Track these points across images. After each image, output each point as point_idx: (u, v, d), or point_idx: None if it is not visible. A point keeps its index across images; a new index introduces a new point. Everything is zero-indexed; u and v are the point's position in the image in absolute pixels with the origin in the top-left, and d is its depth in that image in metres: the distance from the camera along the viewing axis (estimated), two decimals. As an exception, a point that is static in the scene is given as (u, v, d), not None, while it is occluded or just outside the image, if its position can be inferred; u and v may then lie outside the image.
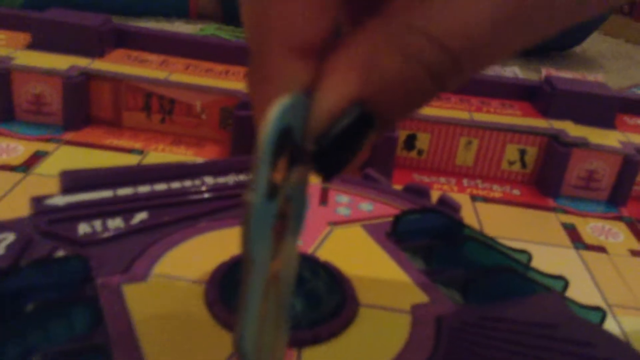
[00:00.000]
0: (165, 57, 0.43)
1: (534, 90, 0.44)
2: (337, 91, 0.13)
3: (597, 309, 0.25)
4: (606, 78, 0.74)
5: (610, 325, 0.27)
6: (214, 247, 0.23)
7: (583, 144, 0.38)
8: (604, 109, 0.41)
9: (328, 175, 0.13)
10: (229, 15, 0.75)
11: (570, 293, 0.26)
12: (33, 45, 0.40)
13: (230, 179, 0.27)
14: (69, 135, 0.38)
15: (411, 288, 0.22)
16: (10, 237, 0.21)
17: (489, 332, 0.20)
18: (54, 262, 0.20)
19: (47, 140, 0.37)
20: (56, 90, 0.37)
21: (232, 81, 0.40)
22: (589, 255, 0.33)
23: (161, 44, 0.43)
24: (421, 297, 0.22)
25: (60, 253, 0.21)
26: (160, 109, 0.39)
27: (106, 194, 0.24)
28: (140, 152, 0.37)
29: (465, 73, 0.13)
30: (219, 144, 0.39)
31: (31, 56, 0.39)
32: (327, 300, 0.21)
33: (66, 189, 0.24)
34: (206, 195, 0.25)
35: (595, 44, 0.97)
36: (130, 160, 0.36)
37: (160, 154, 0.37)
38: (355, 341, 0.19)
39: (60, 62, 0.39)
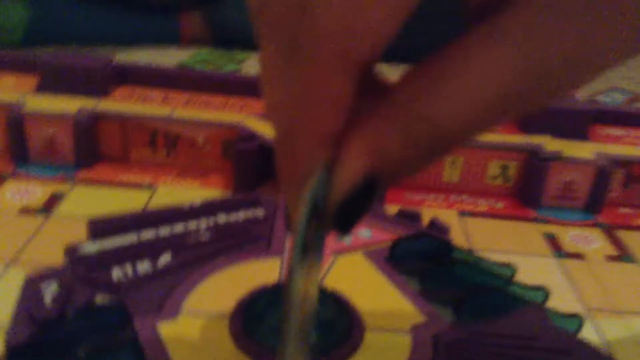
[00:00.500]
0: (166, 91, 0.45)
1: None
2: (351, 170, 0.15)
3: (574, 316, 0.28)
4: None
5: (589, 329, 0.30)
6: (233, 281, 0.26)
7: (558, 158, 0.41)
8: (577, 122, 0.44)
9: (345, 231, 0.16)
10: (218, 39, 0.78)
11: (552, 301, 0.29)
12: (41, 88, 0.43)
13: (240, 215, 0.30)
14: (82, 174, 0.40)
15: (410, 309, 0.25)
16: (53, 286, 0.23)
17: (479, 346, 0.23)
18: (96, 310, 0.22)
19: (62, 180, 0.39)
20: (67, 132, 0.40)
21: (230, 113, 0.43)
22: (569, 263, 0.36)
23: (161, 80, 0.46)
24: (419, 318, 0.25)
25: (99, 298, 0.23)
26: (166, 144, 0.42)
27: (131, 238, 0.27)
28: (150, 186, 0.40)
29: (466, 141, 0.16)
30: (222, 173, 0.42)
31: (41, 100, 0.41)
32: (337, 327, 0.23)
33: (94, 235, 0.27)
34: (220, 234, 0.28)
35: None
36: (142, 194, 0.39)
37: (169, 187, 0.40)
38: (364, 363, 0.22)
39: (69, 104, 0.41)
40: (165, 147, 0.42)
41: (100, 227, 0.27)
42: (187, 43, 0.79)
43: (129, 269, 0.25)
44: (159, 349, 0.21)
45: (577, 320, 0.28)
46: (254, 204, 0.31)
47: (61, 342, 0.21)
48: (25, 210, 0.36)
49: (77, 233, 0.33)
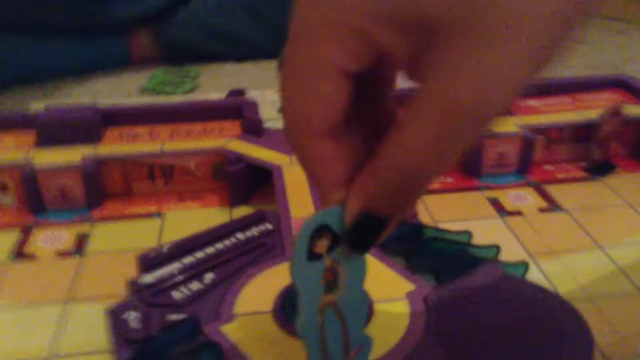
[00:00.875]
0: (150, 127, 0.51)
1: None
2: (351, 208, 0.22)
3: (521, 263, 0.37)
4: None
5: (533, 271, 0.39)
6: (265, 284, 0.33)
7: (491, 134, 0.50)
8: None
9: (360, 252, 0.24)
10: (169, 56, 0.82)
11: (503, 254, 0.38)
12: (39, 143, 0.48)
13: (254, 231, 0.37)
14: (95, 213, 0.46)
15: (402, 281, 0.33)
16: (132, 313, 0.30)
17: (457, 299, 0.32)
18: (173, 325, 0.29)
19: (81, 221, 0.45)
20: (77, 179, 0.46)
21: (211, 139, 0.49)
22: (510, 220, 0.45)
23: (144, 117, 0.52)
24: (410, 286, 0.33)
25: (171, 315, 0.30)
26: (162, 175, 0.48)
27: (176, 265, 0.34)
28: (158, 214, 0.46)
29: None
30: (215, 192, 0.49)
31: (45, 155, 0.47)
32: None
33: (146, 268, 0.34)
34: (243, 249, 0.35)
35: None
36: (153, 223, 0.45)
37: (173, 212, 0.46)
38: (379, 327, 0.30)
39: (71, 153, 0.47)
40: (163, 177, 0.48)
41: (148, 260, 0.34)
42: (139, 63, 0.83)
43: (184, 289, 0.32)
44: (229, 346, 0.29)
45: (523, 266, 0.37)
46: (261, 219, 0.38)
47: (157, 353, 0.28)
48: (61, 253, 0.42)
49: (113, 265, 0.40)
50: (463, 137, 0.20)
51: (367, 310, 0.27)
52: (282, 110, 0.23)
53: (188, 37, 0.82)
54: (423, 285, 0.33)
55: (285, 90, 0.23)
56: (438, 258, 0.35)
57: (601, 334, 0.33)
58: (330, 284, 0.25)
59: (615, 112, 0.50)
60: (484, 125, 0.21)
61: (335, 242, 0.24)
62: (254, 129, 0.50)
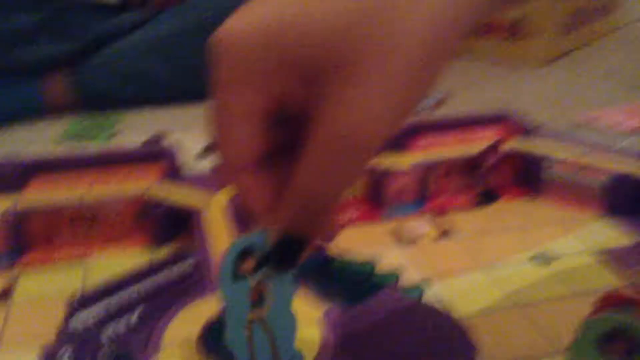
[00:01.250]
0: (71, 175, 0.53)
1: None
2: (273, 231, 0.26)
3: (417, 287, 0.42)
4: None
5: (429, 293, 0.45)
6: (191, 317, 0.36)
7: (389, 171, 0.56)
8: (398, 140, 0.59)
9: (283, 270, 0.27)
10: (86, 103, 0.84)
11: (403, 280, 0.43)
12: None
13: (178, 268, 0.41)
14: (20, 262, 0.48)
15: (312, 308, 0.38)
16: (67, 352, 0.33)
17: (359, 319, 0.36)
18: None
19: (6, 269, 0.46)
20: (0, 229, 0.47)
21: (132, 185, 0.52)
22: (409, 248, 0.51)
23: (63, 165, 0.54)
24: (319, 312, 0.37)
25: (102, 354, 0.33)
26: (85, 221, 0.50)
27: (104, 305, 0.37)
28: (83, 259, 0.48)
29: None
30: (138, 234, 0.51)
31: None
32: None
33: (72, 313, 0.36)
34: (169, 285, 0.39)
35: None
36: (79, 268, 0.47)
37: (97, 257, 0.49)
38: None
39: (-6, 205, 0.48)
40: (86, 223, 0.50)
41: (76, 303, 0.36)
42: (54, 110, 0.84)
43: (113, 328, 0.35)
44: (159, 375, 0.32)
45: (419, 289, 0.42)
46: (184, 256, 0.42)
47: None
48: (-14, 303, 0.43)
49: (42, 311, 0.42)
50: (348, 164, 0.23)
51: (296, 326, 0.29)
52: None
53: (104, 81, 0.84)
54: (332, 309, 0.37)
55: (212, 134, 0.26)
56: (344, 284, 0.40)
57: (489, 345, 0.39)
58: (257, 302, 0.28)
59: (495, 146, 0.57)
60: (365, 154, 0.23)
61: (263, 262, 0.27)
62: (174, 174, 0.54)
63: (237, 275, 0.27)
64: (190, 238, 0.47)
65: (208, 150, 0.68)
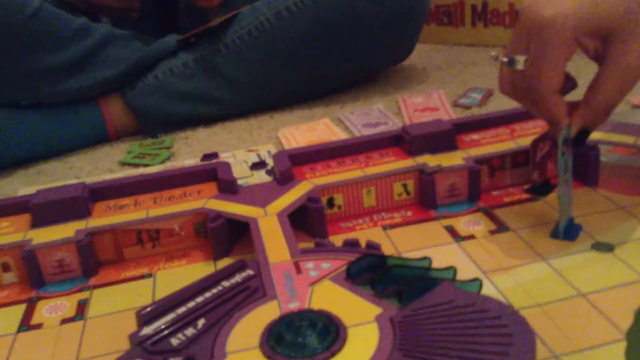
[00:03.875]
0: (134, 197, 0.56)
1: (398, 138, 0.61)
2: (575, 127, 0.48)
3: (475, 280, 0.42)
4: (446, 89, 0.95)
5: (488, 286, 0.45)
6: (251, 324, 0.38)
7: (440, 170, 0.56)
8: (446, 139, 0.59)
9: (580, 145, 0.52)
10: (143, 124, 0.88)
11: (460, 275, 0.43)
12: (35, 224, 0.53)
13: (237, 278, 0.42)
14: (92, 281, 0.50)
15: (370, 307, 0.38)
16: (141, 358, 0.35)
17: (419, 317, 0.37)
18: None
19: (80, 290, 0.49)
20: (72, 252, 0.50)
21: (191, 201, 0.55)
22: (465, 243, 0.51)
23: (126, 189, 0.57)
24: (377, 310, 0.38)
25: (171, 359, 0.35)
26: (150, 238, 0.53)
27: (171, 315, 0.38)
28: (150, 275, 0.51)
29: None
30: (200, 249, 0.53)
31: (41, 234, 0.51)
32: (330, 331, 0.36)
33: (144, 322, 0.38)
34: (230, 295, 0.40)
35: (426, 54, 1.19)
36: (146, 283, 0.49)
37: (162, 271, 0.51)
38: (353, 348, 0.35)
39: (65, 230, 0.51)
40: (150, 241, 0.53)
41: (146, 315, 0.38)
42: (116, 134, 0.88)
43: (180, 336, 0.37)
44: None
45: (477, 283, 0.42)
46: (243, 267, 0.43)
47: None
48: (65, 320, 0.46)
49: (114, 324, 0.44)
50: (630, 85, 0.46)
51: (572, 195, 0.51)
52: (529, 79, 0.47)
53: (157, 102, 0.88)
54: (388, 308, 0.38)
55: (537, 68, 0.45)
56: (400, 283, 0.40)
57: (550, 336, 0.39)
58: (565, 169, 0.49)
59: (546, 137, 0.56)
60: (638, 78, 0.45)
61: (569, 143, 0.49)
62: (229, 188, 0.56)
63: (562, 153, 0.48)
64: (249, 248, 0.49)
65: (258, 165, 0.70)
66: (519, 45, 0.47)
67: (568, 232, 0.50)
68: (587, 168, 0.56)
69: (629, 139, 0.56)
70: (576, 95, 0.48)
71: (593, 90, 0.46)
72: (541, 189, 0.57)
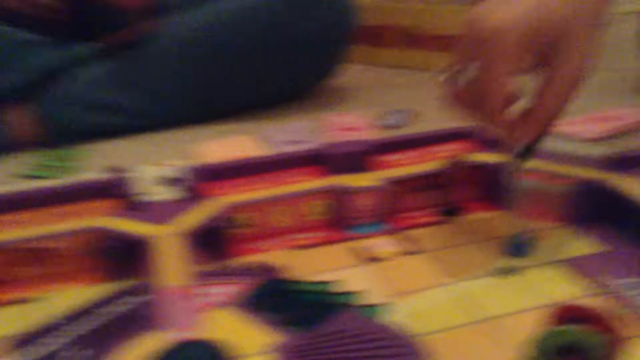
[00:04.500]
0: (24, 212, 0.52)
1: (315, 157, 0.60)
2: (524, 139, 0.48)
3: (378, 305, 0.41)
4: (371, 110, 0.95)
5: (392, 310, 0.43)
6: (135, 357, 0.35)
7: (354, 190, 0.55)
8: (362, 159, 0.58)
9: (528, 160, 0.49)
10: (49, 134, 0.82)
11: (365, 299, 0.42)
12: None
13: (125, 303, 0.39)
14: (-32, 304, 0.46)
15: (265, 334, 0.36)
16: None
17: (315, 345, 0.35)
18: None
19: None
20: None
21: (86, 218, 0.51)
22: (374, 266, 0.49)
23: (16, 203, 0.52)
24: (272, 338, 0.36)
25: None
26: (36, 258, 0.49)
27: (60, 340, 0.35)
28: (36, 298, 0.46)
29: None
30: (91, 270, 0.49)
31: None
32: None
33: (22, 345, 0.35)
34: (114, 322, 0.37)
35: (355, 75, 1.19)
36: (33, 306, 0.45)
37: (53, 294, 0.47)
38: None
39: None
40: (37, 261, 0.49)
41: (27, 341, 0.35)
42: (22, 143, 0.82)
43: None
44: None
45: (380, 308, 0.41)
46: (132, 292, 0.40)
47: None
48: None
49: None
50: (573, 92, 0.46)
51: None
52: (479, 89, 0.45)
53: (66, 111, 0.83)
54: (284, 335, 0.36)
55: (486, 77, 0.44)
56: (300, 309, 0.38)
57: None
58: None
59: (458, 161, 0.56)
60: (580, 84, 0.45)
61: (519, 157, 0.49)
62: (129, 204, 0.52)
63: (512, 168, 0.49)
64: (144, 270, 0.46)
65: (172, 181, 0.67)
66: (467, 55, 0.46)
67: (518, 248, 0.50)
68: (496, 190, 0.56)
69: (544, 165, 0.56)
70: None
71: (535, 101, 0.46)
72: (453, 211, 0.57)
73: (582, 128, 0.79)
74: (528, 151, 0.48)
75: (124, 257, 0.48)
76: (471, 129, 0.64)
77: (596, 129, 0.78)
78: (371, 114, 0.91)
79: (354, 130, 0.86)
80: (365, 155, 0.59)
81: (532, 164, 0.57)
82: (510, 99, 0.46)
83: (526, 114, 0.47)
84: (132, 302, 0.40)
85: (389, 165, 0.59)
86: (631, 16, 1.44)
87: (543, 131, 0.47)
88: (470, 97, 0.47)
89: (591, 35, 0.45)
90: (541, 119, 0.46)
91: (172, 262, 0.44)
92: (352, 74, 1.17)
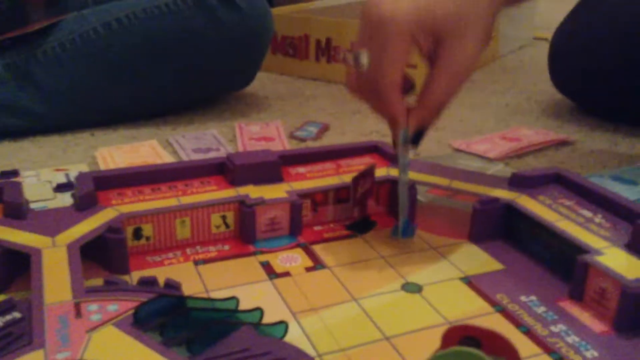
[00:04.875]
0: None
1: (222, 167, 0.58)
2: (412, 127, 0.49)
3: (280, 323, 0.39)
4: (285, 120, 0.93)
5: (295, 328, 0.42)
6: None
7: (261, 202, 0.53)
8: (271, 170, 0.57)
9: (417, 144, 0.50)
10: None
11: (269, 316, 0.40)
12: None
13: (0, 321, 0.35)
14: None
15: (154, 357, 0.34)
16: None
17: (209, 368, 0.33)
18: None
19: None
20: None
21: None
22: (279, 281, 0.48)
23: None
24: (163, 361, 0.33)
25: None
26: None
27: None
28: None
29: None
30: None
31: None
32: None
33: None
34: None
35: (269, 84, 1.18)
36: None
37: None
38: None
39: None
40: None
41: None
42: None
43: None
44: None
45: (283, 326, 0.39)
46: (9, 308, 0.36)
47: None
48: None
49: None
50: (459, 84, 0.47)
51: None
52: (370, 75, 0.46)
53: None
54: (176, 358, 0.33)
55: (378, 64, 0.45)
56: (194, 329, 0.36)
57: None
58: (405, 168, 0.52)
59: (367, 174, 0.56)
60: (469, 74, 0.47)
61: (407, 142, 0.50)
62: (14, 212, 0.48)
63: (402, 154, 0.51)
64: (26, 284, 0.42)
65: (64, 187, 0.62)
66: (361, 42, 0.47)
67: (405, 230, 0.53)
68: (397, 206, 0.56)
69: (444, 181, 0.57)
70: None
71: (425, 89, 0.48)
72: (361, 226, 0.57)
73: (488, 147, 0.81)
74: (417, 137, 0.49)
75: (6, 271, 0.44)
76: (382, 144, 0.64)
77: (502, 148, 0.81)
78: (284, 125, 0.90)
79: (267, 140, 0.85)
80: (275, 166, 0.57)
81: (436, 180, 0.57)
82: (401, 86, 0.47)
83: (417, 100, 0.48)
84: (7, 319, 0.36)
85: (298, 178, 0.58)
86: (542, 42, 1.52)
87: (428, 121, 0.49)
88: (364, 83, 0.48)
89: (483, 25, 0.46)
90: (431, 106, 0.48)
91: (57, 277, 0.40)
92: (267, 83, 1.16)
